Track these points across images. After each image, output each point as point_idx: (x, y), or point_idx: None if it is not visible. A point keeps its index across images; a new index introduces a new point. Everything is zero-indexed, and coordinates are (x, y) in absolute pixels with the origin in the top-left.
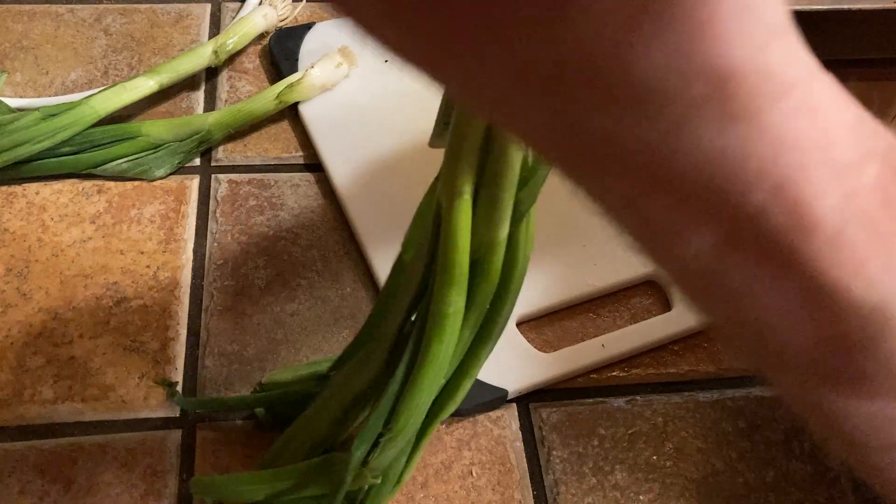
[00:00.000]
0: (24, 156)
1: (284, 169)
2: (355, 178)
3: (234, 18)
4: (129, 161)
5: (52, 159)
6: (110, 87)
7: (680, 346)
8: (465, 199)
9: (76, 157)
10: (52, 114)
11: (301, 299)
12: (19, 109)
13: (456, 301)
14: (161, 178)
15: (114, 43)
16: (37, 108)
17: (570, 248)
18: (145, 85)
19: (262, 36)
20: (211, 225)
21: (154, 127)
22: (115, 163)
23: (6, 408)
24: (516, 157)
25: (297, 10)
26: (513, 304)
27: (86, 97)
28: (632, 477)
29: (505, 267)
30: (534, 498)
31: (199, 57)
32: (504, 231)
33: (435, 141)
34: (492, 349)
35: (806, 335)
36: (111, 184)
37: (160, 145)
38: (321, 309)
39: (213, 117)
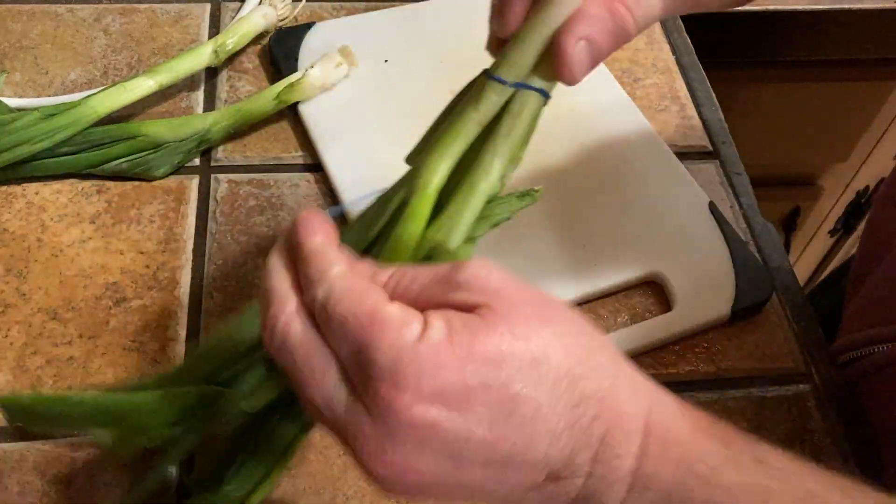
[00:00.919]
0: (24, 156)
1: (284, 169)
2: (355, 178)
3: (233, 18)
4: (128, 161)
5: (52, 159)
6: (110, 86)
7: (680, 346)
8: (429, 194)
9: (76, 157)
10: (51, 114)
11: None
12: (19, 109)
13: None
14: (161, 178)
15: (113, 43)
16: (36, 108)
17: (570, 248)
18: (145, 85)
19: (261, 36)
20: (210, 225)
21: (154, 127)
22: (114, 163)
23: None
24: (483, 189)
25: (297, 10)
26: None
27: (85, 97)
28: None
29: None
30: None
31: (199, 57)
32: (455, 243)
33: (413, 158)
34: None
35: None
36: (111, 184)
37: (160, 145)
38: None
39: (212, 117)
